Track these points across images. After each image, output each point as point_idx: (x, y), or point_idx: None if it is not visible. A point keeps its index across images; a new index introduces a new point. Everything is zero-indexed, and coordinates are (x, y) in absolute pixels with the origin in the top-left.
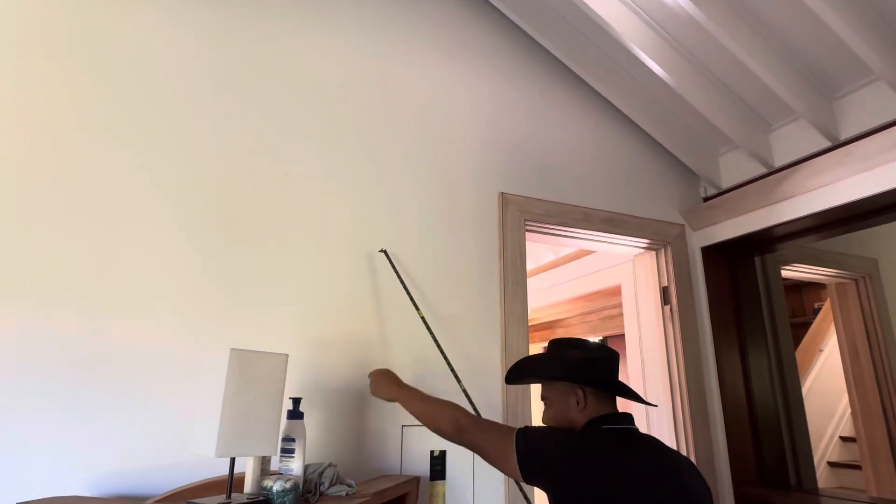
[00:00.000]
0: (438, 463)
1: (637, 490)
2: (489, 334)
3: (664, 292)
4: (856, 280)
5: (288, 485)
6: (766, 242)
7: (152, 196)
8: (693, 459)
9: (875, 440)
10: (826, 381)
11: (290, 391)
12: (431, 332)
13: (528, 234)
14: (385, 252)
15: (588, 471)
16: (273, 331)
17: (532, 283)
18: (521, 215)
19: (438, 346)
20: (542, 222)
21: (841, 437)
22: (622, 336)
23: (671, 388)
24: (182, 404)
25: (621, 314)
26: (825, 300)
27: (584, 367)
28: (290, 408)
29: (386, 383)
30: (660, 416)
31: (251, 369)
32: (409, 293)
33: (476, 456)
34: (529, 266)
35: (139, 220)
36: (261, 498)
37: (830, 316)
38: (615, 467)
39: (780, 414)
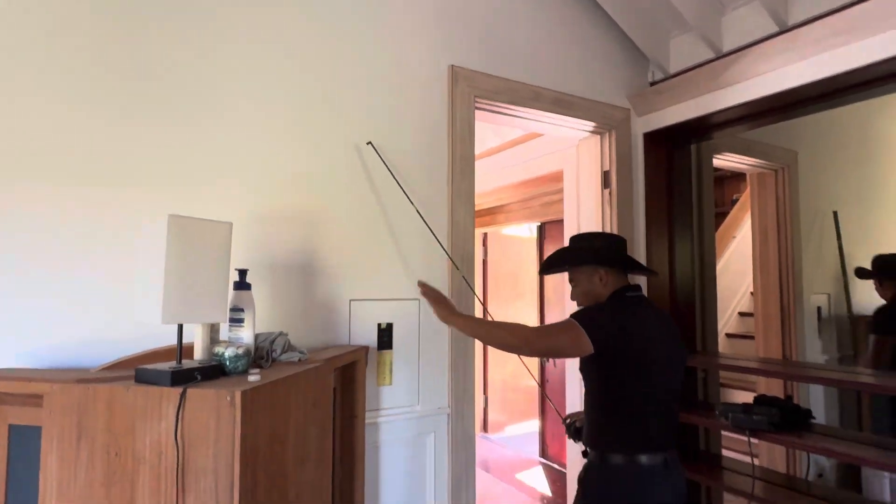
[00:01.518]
0: (386, 335)
1: (654, 344)
2: (436, 210)
3: (605, 177)
4: (776, 171)
5: (240, 351)
6: (704, 130)
7: (57, 46)
8: None
9: (769, 315)
10: (734, 265)
11: (237, 265)
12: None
13: (477, 113)
14: (371, 144)
15: (625, 326)
16: (215, 203)
17: (475, 168)
18: (470, 91)
19: (426, 222)
20: (491, 100)
21: (739, 313)
22: (561, 221)
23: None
24: (121, 274)
25: (561, 200)
26: (744, 192)
27: (604, 252)
28: (237, 279)
29: (446, 309)
30: None
31: (193, 236)
32: (399, 186)
33: (421, 326)
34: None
35: (45, 85)
36: (213, 363)
37: (746, 206)
38: (640, 325)
39: (695, 292)
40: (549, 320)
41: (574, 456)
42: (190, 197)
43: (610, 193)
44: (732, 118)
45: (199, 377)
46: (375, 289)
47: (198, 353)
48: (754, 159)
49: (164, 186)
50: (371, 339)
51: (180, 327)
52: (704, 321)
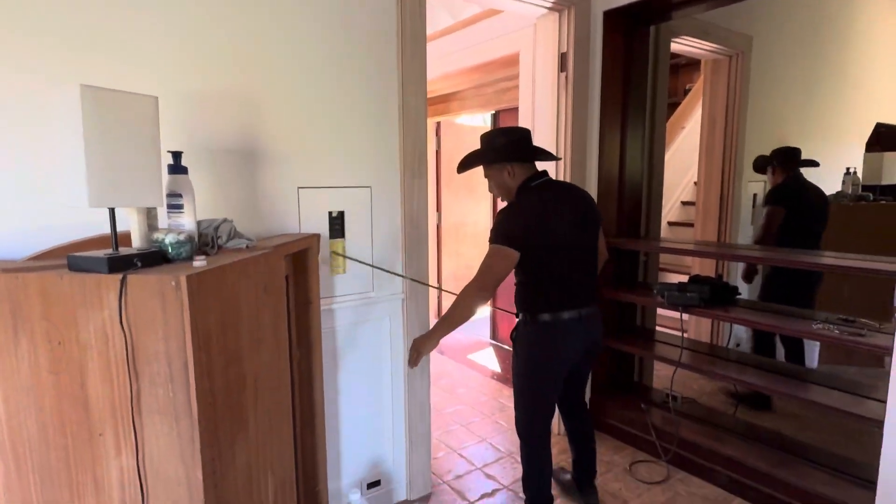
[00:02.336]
0: (337, 223)
1: (563, 220)
2: (386, 95)
3: (562, 59)
4: (730, 57)
5: (182, 237)
6: (664, 8)
7: None
8: None
9: (709, 203)
10: (680, 156)
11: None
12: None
13: None
14: None
15: (533, 220)
16: (137, 78)
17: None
18: None
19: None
20: None
21: (682, 202)
22: (516, 109)
23: (556, 153)
24: (35, 155)
25: (516, 87)
26: (696, 82)
27: (507, 149)
28: (171, 162)
29: (423, 340)
30: None
31: (113, 110)
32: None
33: (374, 214)
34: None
35: None
36: (153, 249)
37: (698, 96)
38: (541, 208)
39: (643, 181)
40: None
41: None
42: (109, 68)
43: (566, 78)
44: None
45: (138, 264)
46: (325, 176)
47: (136, 242)
48: (711, 44)
49: (78, 52)
50: (322, 227)
51: (112, 212)
52: (650, 209)
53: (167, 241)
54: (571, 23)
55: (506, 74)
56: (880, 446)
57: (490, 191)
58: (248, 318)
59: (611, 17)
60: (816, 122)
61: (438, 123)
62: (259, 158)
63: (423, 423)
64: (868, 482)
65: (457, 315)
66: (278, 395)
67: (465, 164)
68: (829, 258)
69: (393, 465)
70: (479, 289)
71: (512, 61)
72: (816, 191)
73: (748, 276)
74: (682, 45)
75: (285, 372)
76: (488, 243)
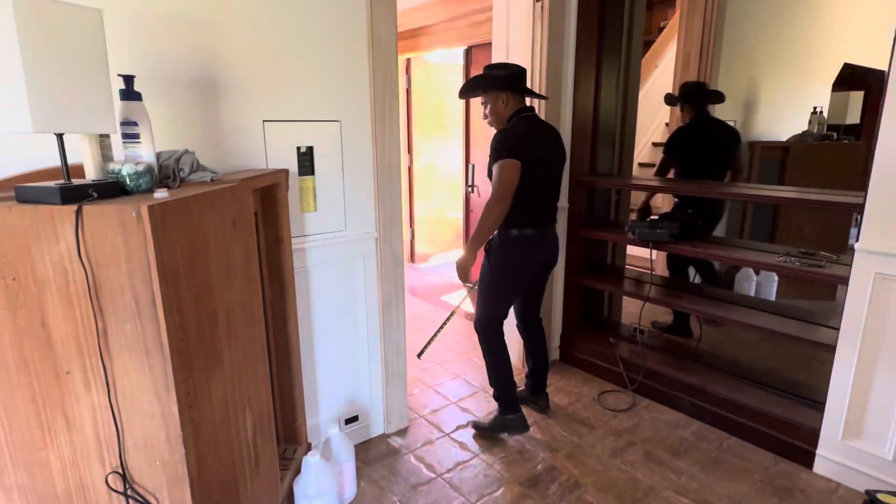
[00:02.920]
0: (306, 159)
1: (543, 149)
2: (353, 18)
3: None
4: None
5: (140, 168)
6: None
7: None
8: None
9: None
10: (653, 97)
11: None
12: None
13: None
14: None
15: (525, 140)
16: None
17: None
18: None
19: None
20: None
21: (653, 143)
22: (488, 45)
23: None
24: None
25: (489, 20)
26: (671, 19)
27: (505, 79)
28: (123, 88)
29: (468, 260)
30: None
31: (52, 21)
32: None
33: (344, 150)
34: None
35: None
36: (109, 180)
37: (673, 34)
38: (532, 135)
39: (616, 120)
40: (474, 157)
41: None
42: None
43: (542, 7)
44: None
45: (94, 195)
46: (292, 109)
47: (89, 174)
48: None
49: None
50: (291, 163)
51: (60, 138)
52: (623, 149)
53: (124, 171)
54: None
55: (479, 6)
56: (830, 370)
57: (484, 117)
58: (217, 252)
59: None
60: (787, 60)
61: (409, 60)
62: (220, 89)
63: (399, 361)
64: (817, 402)
65: (487, 225)
66: (252, 332)
67: (466, 90)
68: (792, 193)
69: (370, 402)
70: (499, 200)
71: None
72: (722, 130)
73: (644, 213)
74: None
75: (259, 310)
76: (492, 165)
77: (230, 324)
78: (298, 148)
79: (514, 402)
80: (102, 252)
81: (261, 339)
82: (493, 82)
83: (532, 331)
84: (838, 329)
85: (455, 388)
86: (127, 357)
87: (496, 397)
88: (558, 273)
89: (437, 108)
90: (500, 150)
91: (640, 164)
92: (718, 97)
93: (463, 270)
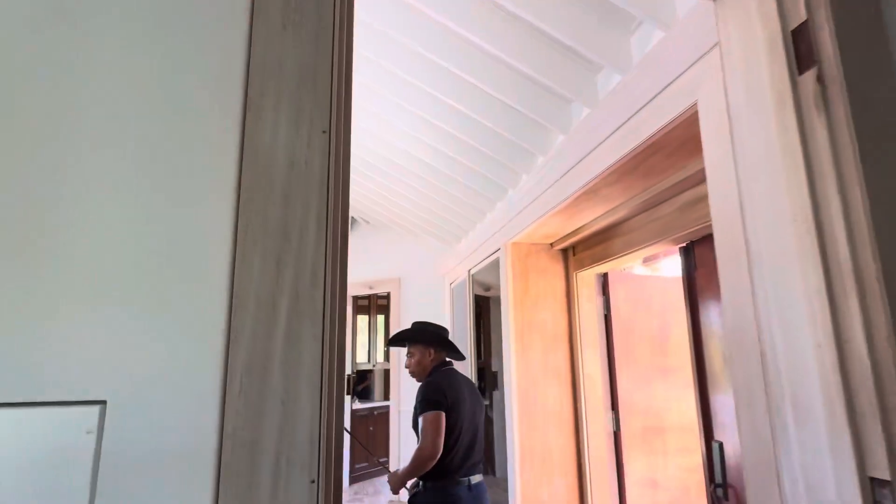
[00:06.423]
0: None
1: (463, 400)
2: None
3: (797, 39)
4: None
5: None
6: None
7: None
8: None
9: None
10: None
11: None
12: None
13: None
14: None
15: (447, 393)
16: None
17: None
18: None
19: None
20: None
21: None
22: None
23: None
24: None
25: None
26: None
27: (436, 338)
28: None
29: (401, 482)
30: None
31: None
32: None
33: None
34: None
35: None
36: None
37: None
38: (454, 389)
39: None
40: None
41: None
42: None
43: (819, 80)
44: None
45: None
46: None
47: None
48: None
49: None
50: None
51: None
52: None
53: None
54: None
55: (684, 173)
56: None
57: (406, 366)
58: None
59: None
60: None
61: (605, 276)
62: None
63: None
64: None
65: (418, 469)
66: None
67: (395, 341)
68: None
69: None
70: (430, 453)
71: (688, 136)
72: None
73: None
74: None
75: None
76: (417, 416)
77: None
78: None
79: None
80: None
81: None
82: (425, 337)
83: None
84: None
85: None
86: None
87: None
88: None
89: (654, 339)
90: (425, 402)
91: None
92: None
93: (396, 484)
